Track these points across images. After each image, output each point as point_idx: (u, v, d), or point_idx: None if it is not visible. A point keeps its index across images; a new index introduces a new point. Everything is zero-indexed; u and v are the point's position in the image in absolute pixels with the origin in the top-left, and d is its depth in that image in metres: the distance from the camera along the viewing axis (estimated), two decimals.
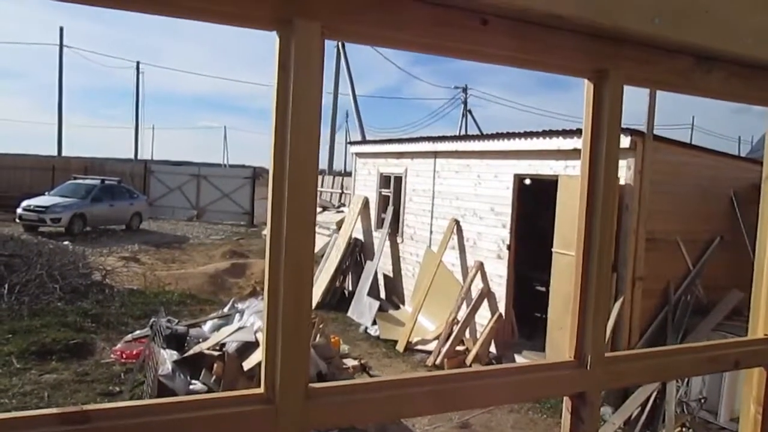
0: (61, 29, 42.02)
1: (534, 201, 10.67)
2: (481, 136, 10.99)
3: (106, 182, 23.76)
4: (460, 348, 9.83)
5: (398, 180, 12.91)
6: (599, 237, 1.09)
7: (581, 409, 1.12)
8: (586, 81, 1.10)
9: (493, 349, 9.76)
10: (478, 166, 10.42)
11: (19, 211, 20.90)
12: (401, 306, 12.30)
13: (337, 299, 13.01)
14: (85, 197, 22.13)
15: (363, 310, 11.84)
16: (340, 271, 13.41)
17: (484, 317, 9.91)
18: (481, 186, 10.33)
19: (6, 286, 11.00)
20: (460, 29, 0.92)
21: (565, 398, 1.15)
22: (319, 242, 19.68)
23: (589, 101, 1.09)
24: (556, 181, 8.54)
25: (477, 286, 10.12)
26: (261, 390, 0.86)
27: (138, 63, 48.26)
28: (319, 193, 27.71)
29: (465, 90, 45.64)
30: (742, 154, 22.80)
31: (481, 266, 10.15)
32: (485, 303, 9.97)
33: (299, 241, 0.84)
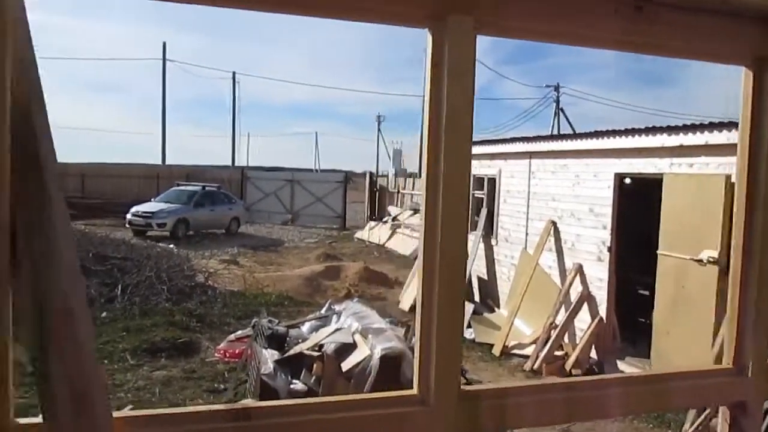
0: (164, 44, 44.34)
1: (636, 201, 10.25)
2: (579, 135, 10.69)
3: (207, 188, 24.84)
4: (558, 353, 9.58)
5: (492, 181, 12.75)
6: (761, 236, 1.01)
7: (741, 420, 1.05)
8: (744, 69, 1.02)
9: (593, 354, 9.44)
10: (575, 165, 10.13)
11: (128, 216, 22.23)
12: (496, 309, 12.12)
13: None
14: (188, 203, 23.23)
15: None
16: None
17: (583, 321, 9.61)
18: (579, 186, 10.03)
19: (119, 287, 11.69)
20: (613, 17, 0.88)
21: (722, 408, 1.08)
22: (412, 244, 19.75)
23: (748, 91, 1.01)
24: (661, 179, 8.18)
25: (576, 289, 9.83)
26: (415, 391, 0.85)
27: (234, 73, 50.17)
28: (411, 196, 27.83)
29: (557, 88, 44.57)
30: None
31: (580, 269, 9.85)
32: (585, 307, 9.67)
33: (454, 243, 0.82)
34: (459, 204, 0.83)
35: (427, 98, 0.82)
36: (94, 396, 0.70)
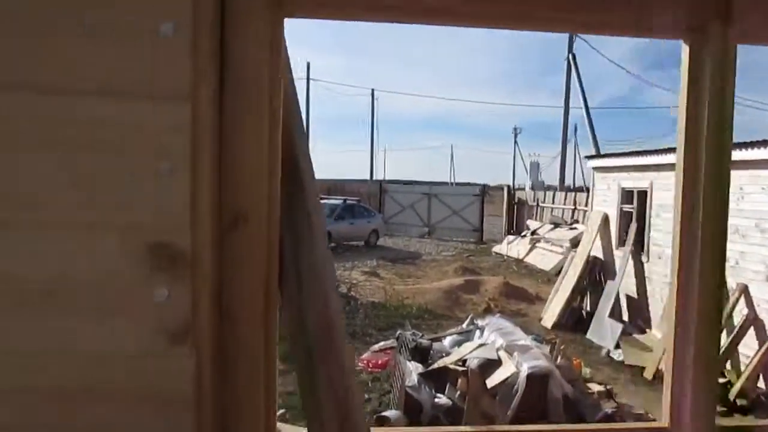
0: (308, 64, 46.50)
1: None
2: (744, 144, 9.88)
3: (348, 202, 25.63)
4: (720, 380, 8.86)
5: (642, 195, 12.10)
6: None
7: None
8: None
9: (761, 384, 8.64)
10: (740, 177, 9.38)
11: None
12: (647, 330, 11.44)
13: (575, 320, 12.49)
14: (330, 216, 24.05)
15: (604, 332, 11.22)
16: (578, 291, 12.88)
17: (749, 347, 8.84)
18: (743, 200, 9.27)
19: None
20: None
21: None
22: (553, 260, 19.16)
23: None
24: None
25: (740, 311, 9.07)
26: (665, 424, 0.81)
27: (373, 90, 51.60)
28: (550, 209, 27.12)
29: None
30: None
31: (745, 289, 9.09)
32: (751, 331, 8.89)
33: (712, 270, 0.77)
34: (718, 227, 0.77)
35: (682, 114, 0.78)
36: (354, 407, 0.72)
